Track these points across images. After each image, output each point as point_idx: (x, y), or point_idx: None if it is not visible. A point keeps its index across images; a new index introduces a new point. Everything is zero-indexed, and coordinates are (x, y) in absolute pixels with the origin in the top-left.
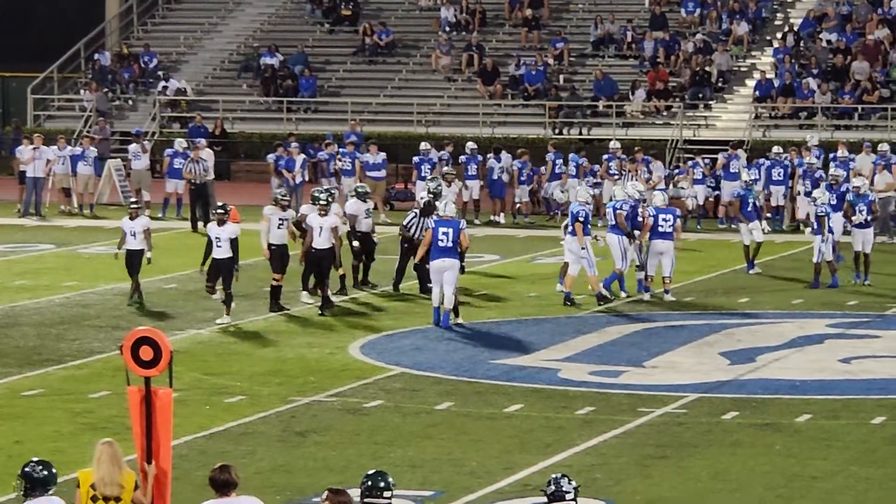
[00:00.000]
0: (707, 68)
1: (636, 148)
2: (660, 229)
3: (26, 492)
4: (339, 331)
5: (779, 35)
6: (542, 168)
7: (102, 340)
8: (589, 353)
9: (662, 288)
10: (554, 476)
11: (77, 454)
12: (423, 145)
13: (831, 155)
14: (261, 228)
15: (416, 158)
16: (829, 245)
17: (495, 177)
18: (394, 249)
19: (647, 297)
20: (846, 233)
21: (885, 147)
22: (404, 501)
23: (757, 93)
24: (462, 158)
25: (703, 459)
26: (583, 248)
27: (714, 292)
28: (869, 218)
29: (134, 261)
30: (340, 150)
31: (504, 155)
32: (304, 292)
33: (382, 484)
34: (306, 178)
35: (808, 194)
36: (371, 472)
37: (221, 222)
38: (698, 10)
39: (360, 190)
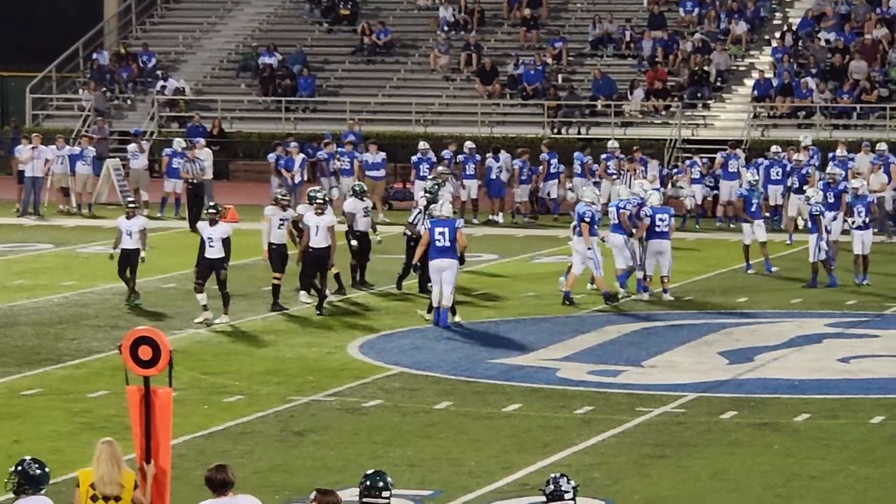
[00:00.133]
0: (705, 68)
1: (634, 147)
2: (657, 229)
3: (18, 489)
4: (337, 330)
5: (777, 34)
6: (540, 168)
7: (101, 340)
8: (587, 352)
9: (661, 287)
10: (553, 475)
11: (76, 454)
12: (422, 144)
13: (830, 154)
14: (262, 228)
15: (414, 158)
16: (822, 243)
17: (493, 176)
18: (394, 248)
19: (645, 296)
20: (845, 232)
21: (882, 146)
22: (403, 501)
23: (755, 92)
24: (460, 158)
25: (702, 459)
26: (589, 249)
27: (712, 292)
28: (868, 220)
29: (130, 260)
30: (339, 149)
31: (503, 154)
32: (303, 292)
33: (381, 483)
34: (305, 178)
35: (796, 191)
36: (370, 471)
37: (213, 222)
38: (697, 10)
39: (357, 188)
